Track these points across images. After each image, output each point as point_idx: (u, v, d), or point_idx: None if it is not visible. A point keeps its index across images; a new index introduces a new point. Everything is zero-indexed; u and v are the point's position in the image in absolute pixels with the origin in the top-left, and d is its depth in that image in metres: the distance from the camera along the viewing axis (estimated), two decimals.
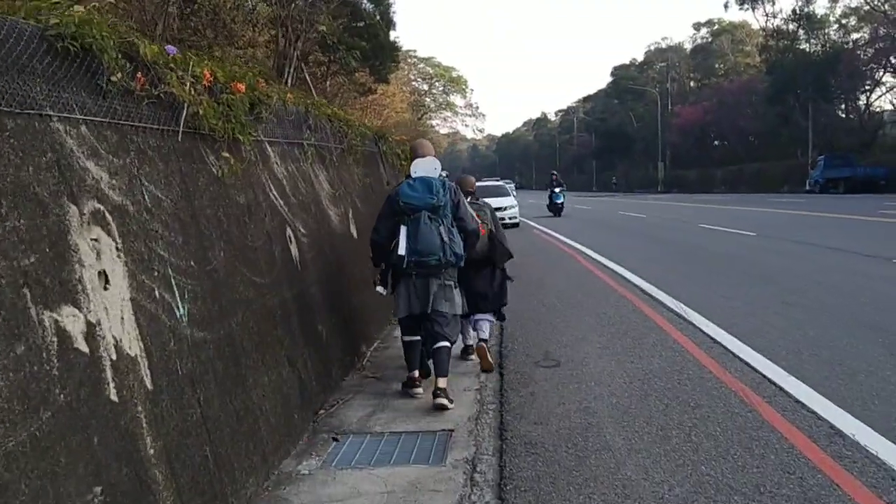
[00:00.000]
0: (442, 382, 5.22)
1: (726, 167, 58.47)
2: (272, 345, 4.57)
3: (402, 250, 5.30)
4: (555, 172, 33.16)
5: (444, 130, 62.84)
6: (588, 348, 6.76)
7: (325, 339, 5.78)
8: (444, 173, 6.09)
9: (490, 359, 6.24)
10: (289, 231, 5.57)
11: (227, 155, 4.47)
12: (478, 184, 7.57)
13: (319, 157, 7.23)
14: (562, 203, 30.73)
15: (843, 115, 50.78)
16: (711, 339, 6.71)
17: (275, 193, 5.49)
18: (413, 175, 5.53)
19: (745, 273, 10.75)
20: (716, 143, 66.09)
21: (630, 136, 76.60)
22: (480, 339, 6.40)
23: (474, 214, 5.81)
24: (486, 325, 6.47)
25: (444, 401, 5.13)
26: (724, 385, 5.33)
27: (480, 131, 76.50)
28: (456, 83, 50.70)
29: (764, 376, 5.45)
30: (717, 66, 71.07)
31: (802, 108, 46.84)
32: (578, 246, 16.33)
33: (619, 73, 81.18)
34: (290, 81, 10.28)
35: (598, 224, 25.00)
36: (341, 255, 7.09)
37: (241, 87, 4.64)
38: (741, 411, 4.77)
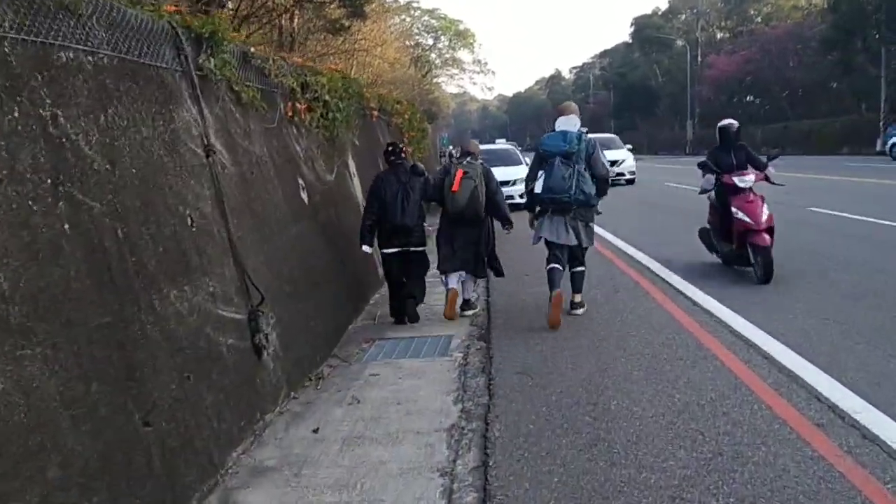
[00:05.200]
0: (577, 297, 7.17)
1: (767, 125, 51.02)
2: None
3: (538, 188, 6.87)
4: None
5: (451, 89, 57.17)
6: None
7: None
8: (584, 129, 7.03)
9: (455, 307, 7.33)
10: None
11: None
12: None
13: None
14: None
15: None
16: None
17: None
18: (556, 128, 6.98)
19: None
20: (750, 98, 58.44)
21: (654, 92, 69.16)
22: (464, 298, 7.65)
23: (606, 163, 7.01)
24: (470, 285, 7.73)
25: (580, 311, 7.15)
26: None
27: (490, 89, 70.44)
28: (463, 37, 45.88)
29: None
30: (752, 12, 63.52)
31: (872, 54, 39.22)
32: (642, 258, 10.29)
33: (642, 22, 73.47)
34: None
35: (647, 206, 17.86)
36: None
37: None
38: None
